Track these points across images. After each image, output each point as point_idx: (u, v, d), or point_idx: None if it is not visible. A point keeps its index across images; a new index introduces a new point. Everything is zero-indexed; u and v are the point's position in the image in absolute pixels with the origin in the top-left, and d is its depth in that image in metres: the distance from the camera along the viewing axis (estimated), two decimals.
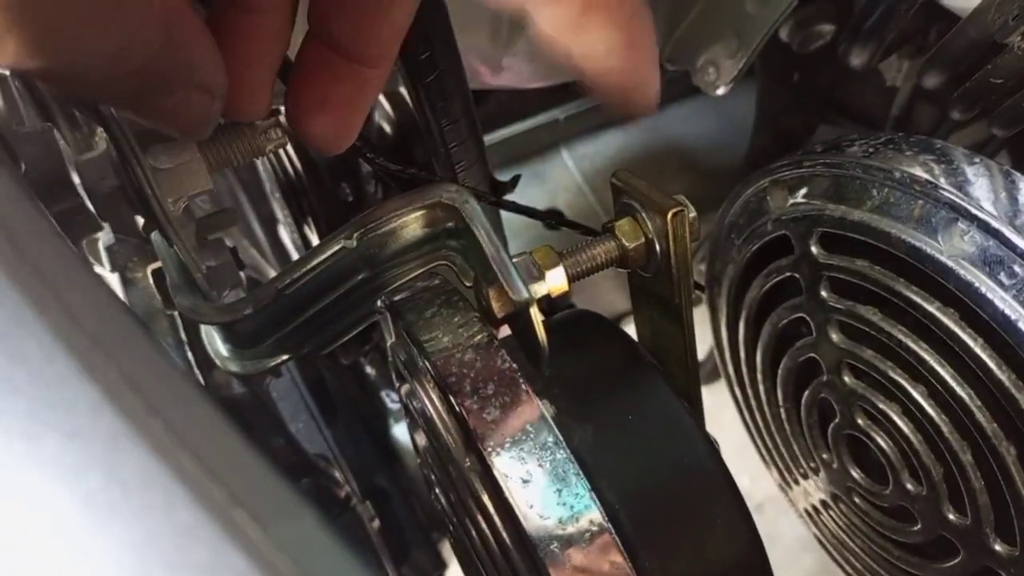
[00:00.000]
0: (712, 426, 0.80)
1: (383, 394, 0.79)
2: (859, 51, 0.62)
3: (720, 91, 0.68)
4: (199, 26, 0.32)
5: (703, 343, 0.79)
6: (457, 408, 0.40)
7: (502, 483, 0.38)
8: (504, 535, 0.41)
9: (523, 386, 0.40)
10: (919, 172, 0.45)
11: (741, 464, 0.83)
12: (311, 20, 0.37)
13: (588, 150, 1.27)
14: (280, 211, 0.82)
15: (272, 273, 0.86)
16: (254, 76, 0.38)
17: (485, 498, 0.42)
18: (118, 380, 0.20)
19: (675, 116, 1.30)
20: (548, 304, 0.46)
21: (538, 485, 0.38)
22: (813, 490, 0.68)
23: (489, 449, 0.39)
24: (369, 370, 0.78)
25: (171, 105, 0.34)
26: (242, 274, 0.60)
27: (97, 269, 0.55)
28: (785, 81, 0.93)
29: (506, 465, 0.38)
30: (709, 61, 0.68)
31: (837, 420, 0.58)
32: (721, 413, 0.78)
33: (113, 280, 0.55)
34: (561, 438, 0.39)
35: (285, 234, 0.85)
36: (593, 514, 0.38)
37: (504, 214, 0.80)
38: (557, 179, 1.26)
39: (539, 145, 1.25)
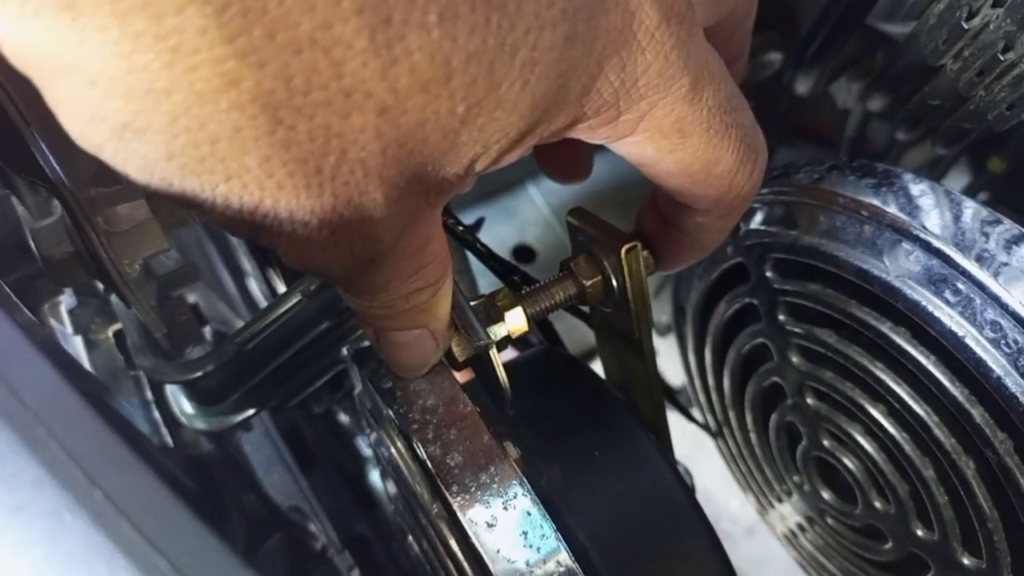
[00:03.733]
0: (697, 452, 0.80)
1: (358, 440, 0.78)
2: (804, 78, 0.64)
3: None
4: (449, 276, 0.36)
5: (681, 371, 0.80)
6: (420, 455, 0.40)
7: (468, 529, 0.38)
8: None
9: (485, 430, 0.41)
10: (863, 196, 0.46)
11: (729, 489, 0.83)
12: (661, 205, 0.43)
13: (555, 184, 1.28)
14: (247, 262, 0.82)
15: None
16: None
17: (453, 544, 0.42)
18: (60, 453, 0.20)
19: None
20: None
21: (504, 529, 0.38)
22: (789, 513, 0.69)
23: (453, 494, 0.39)
24: (343, 417, 0.77)
25: (402, 339, 0.37)
26: (208, 328, 0.60)
27: (60, 332, 0.55)
28: None
29: (471, 510, 0.38)
30: None
31: (804, 443, 0.58)
32: (707, 439, 0.79)
33: (77, 342, 0.55)
34: (525, 480, 0.39)
35: (255, 286, 0.85)
36: (561, 555, 0.38)
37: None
38: (526, 214, 1.27)
39: (506, 181, 1.26)
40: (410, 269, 0.32)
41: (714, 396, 0.69)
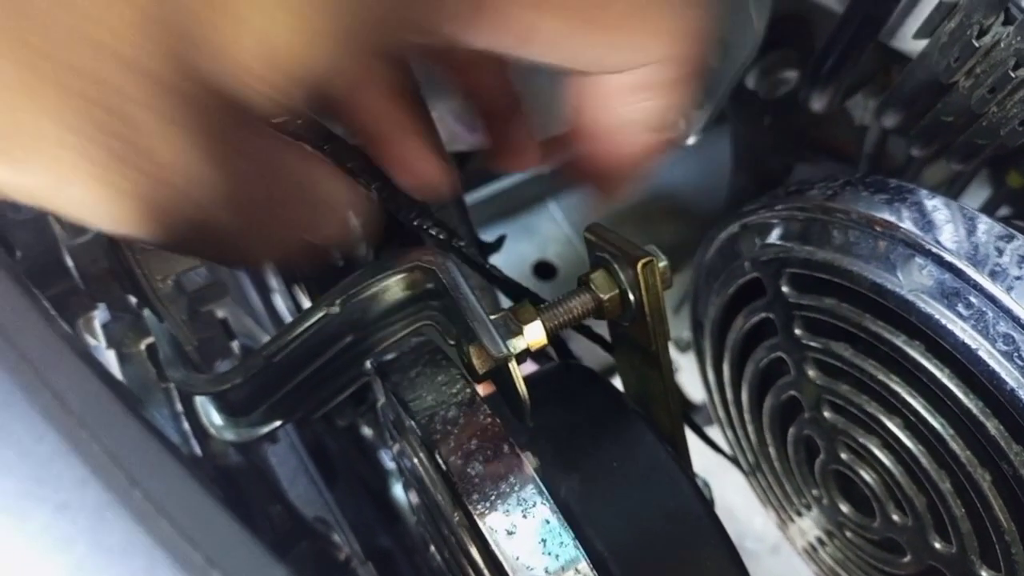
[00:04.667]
0: (720, 467, 0.81)
1: (381, 453, 0.80)
2: (819, 95, 0.65)
3: (690, 140, 0.71)
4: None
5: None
6: (442, 465, 0.41)
7: (488, 536, 0.39)
8: None
9: (505, 440, 0.42)
10: (876, 211, 0.47)
11: (753, 506, 0.83)
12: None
13: (575, 201, 1.29)
14: (273, 279, 0.84)
15: None
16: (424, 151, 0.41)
17: (474, 552, 0.43)
18: (102, 455, 0.22)
19: (658, 163, 1.33)
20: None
21: (523, 537, 0.39)
22: (808, 528, 0.69)
23: (474, 503, 0.40)
24: (366, 431, 0.79)
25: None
26: (236, 343, 0.62)
27: (93, 346, 0.57)
28: (758, 125, 0.96)
29: (491, 518, 0.39)
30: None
31: (822, 456, 0.59)
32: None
33: (110, 356, 0.56)
34: (545, 489, 0.40)
35: (280, 303, 0.87)
36: (580, 564, 0.39)
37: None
38: (546, 231, 1.28)
39: (527, 199, 1.27)
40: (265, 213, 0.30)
41: (732, 410, 0.70)
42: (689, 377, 0.98)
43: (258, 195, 0.28)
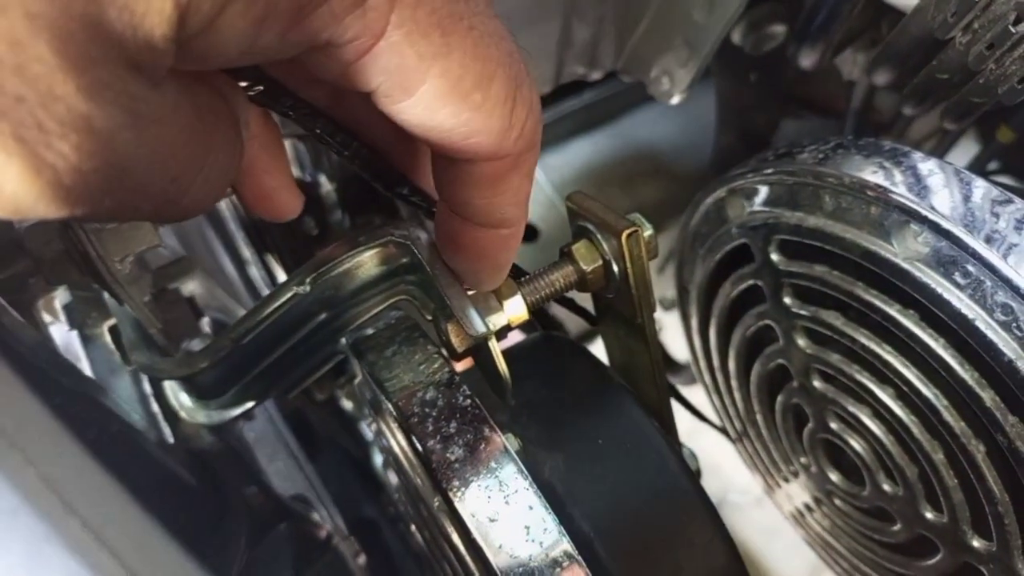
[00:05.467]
0: (705, 425, 0.80)
1: (362, 425, 0.78)
2: (808, 51, 0.63)
3: (675, 100, 0.68)
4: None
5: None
6: (420, 449, 0.40)
7: (469, 524, 0.38)
8: (476, 574, 0.41)
9: (486, 423, 0.40)
10: (869, 176, 0.45)
11: (737, 460, 0.82)
12: (440, 194, 0.37)
13: (557, 161, 1.27)
14: (246, 249, 0.82)
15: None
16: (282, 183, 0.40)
17: (455, 537, 0.41)
18: (36, 480, 0.20)
19: (641, 121, 1.30)
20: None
21: (506, 523, 0.37)
22: (796, 494, 0.68)
23: (454, 489, 0.38)
24: (346, 403, 0.77)
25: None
26: (205, 320, 0.60)
27: (56, 327, 0.54)
28: (743, 82, 0.93)
29: (472, 505, 0.38)
30: (662, 71, 0.68)
31: (811, 424, 0.58)
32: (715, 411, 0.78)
33: (72, 338, 0.54)
34: (527, 473, 0.39)
35: (256, 274, 0.85)
36: (564, 548, 0.38)
37: None
38: None
39: None
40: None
41: (719, 376, 0.68)
42: (673, 336, 0.97)
43: (178, 150, 0.25)
